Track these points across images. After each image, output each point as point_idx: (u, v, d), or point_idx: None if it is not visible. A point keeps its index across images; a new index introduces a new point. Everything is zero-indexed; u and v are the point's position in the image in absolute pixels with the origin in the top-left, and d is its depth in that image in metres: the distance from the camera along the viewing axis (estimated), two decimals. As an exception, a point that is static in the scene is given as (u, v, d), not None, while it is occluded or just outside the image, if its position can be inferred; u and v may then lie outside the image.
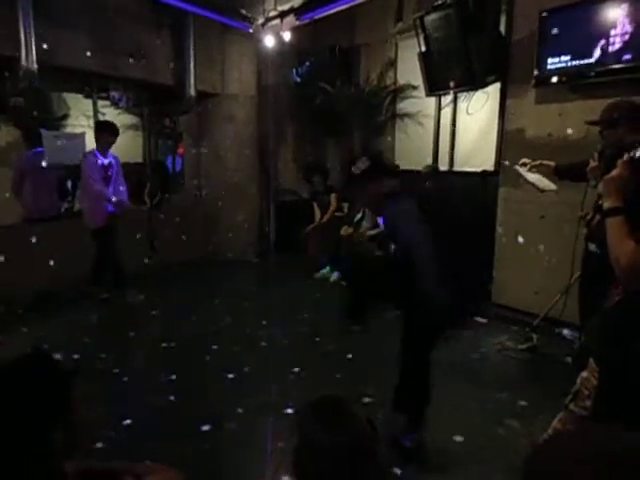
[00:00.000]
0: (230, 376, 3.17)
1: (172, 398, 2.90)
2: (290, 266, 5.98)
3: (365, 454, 1.01)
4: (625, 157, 1.47)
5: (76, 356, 3.35)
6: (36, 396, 0.96)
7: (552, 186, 3.09)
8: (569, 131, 3.85)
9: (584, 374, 1.60)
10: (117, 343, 3.83)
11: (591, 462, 0.69)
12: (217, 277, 5.70)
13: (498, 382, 3.14)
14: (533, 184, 3.12)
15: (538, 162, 3.13)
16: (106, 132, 4.50)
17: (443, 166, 5.42)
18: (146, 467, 1.14)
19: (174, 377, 3.17)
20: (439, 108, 5.60)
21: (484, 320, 4.25)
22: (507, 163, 3.42)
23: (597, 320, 1.64)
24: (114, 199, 4.48)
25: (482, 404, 2.86)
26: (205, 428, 2.57)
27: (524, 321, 3.97)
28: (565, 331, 3.74)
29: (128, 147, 6.73)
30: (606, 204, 1.47)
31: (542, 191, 3.11)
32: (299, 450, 1.03)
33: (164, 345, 3.70)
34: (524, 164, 3.18)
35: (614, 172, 1.48)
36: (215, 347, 3.66)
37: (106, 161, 4.55)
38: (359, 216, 5.65)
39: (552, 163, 3.10)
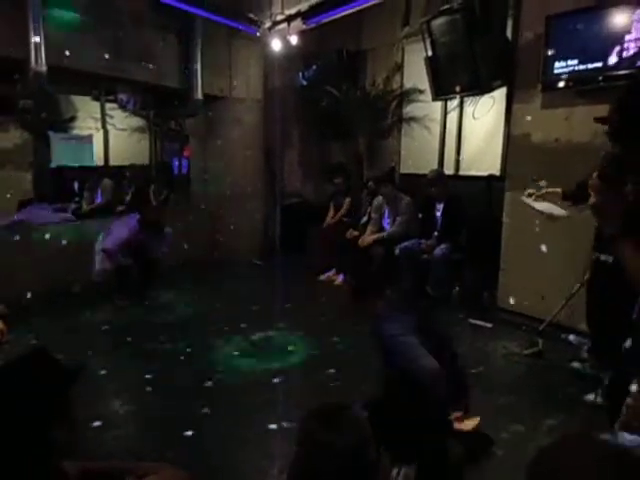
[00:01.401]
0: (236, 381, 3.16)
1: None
2: (295, 268, 5.97)
3: (367, 457, 1.01)
4: (593, 178, 1.39)
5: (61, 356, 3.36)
6: (36, 395, 0.96)
7: (562, 212, 3.03)
8: (576, 136, 3.83)
9: (629, 401, 1.49)
10: (112, 345, 3.83)
11: (597, 463, 0.69)
12: (220, 279, 5.71)
13: (503, 387, 3.12)
14: (543, 212, 3.09)
15: (544, 191, 3.09)
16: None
17: (449, 170, 5.41)
18: (148, 466, 1.14)
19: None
20: (445, 112, 5.60)
21: (489, 325, 4.23)
22: (540, 182, 3.33)
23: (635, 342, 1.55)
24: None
25: (487, 408, 2.83)
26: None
27: (530, 326, 3.95)
28: (571, 337, 3.71)
29: (135, 149, 6.79)
30: (607, 231, 1.43)
31: (554, 219, 3.07)
32: (301, 451, 1.03)
33: (163, 348, 3.70)
34: (530, 195, 3.14)
35: (593, 198, 1.41)
36: (214, 352, 3.64)
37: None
38: (365, 219, 5.66)
39: (559, 190, 3.05)
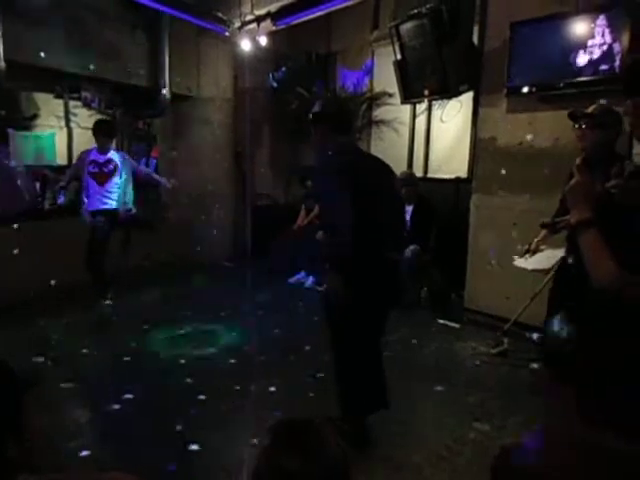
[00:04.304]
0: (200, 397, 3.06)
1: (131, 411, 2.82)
2: (265, 271, 5.93)
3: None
4: (577, 161, 1.37)
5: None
6: None
7: (556, 257, 2.99)
8: (538, 140, 3.94)
9: None
10: (73, 351, 3.68)
11: (565, 461, 0.70)
12: (188, 282, 5.60)
13: (470, 386, 3.18)
14: (535, 269, 3.14)
15: (534, 244, 3.12)
16: (98, 133, 4.54)
17: (418, 172, 5.48)
18: (110, 476, 1.10)
19: (131, 395, 2.96)
20: (414, 115, 5.67)
21: (457, 325, 4.30)
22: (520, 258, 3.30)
23: None
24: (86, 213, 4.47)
25: (454, 407, 2.88)
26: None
27: (496, 326, 4.03)
28: (535, 335, 3.81)
29: (100, 149, 6.59)
30: (574, 217, 1.30)
31: (548, 271, 3.09)
32: (263, 475, 0.91)
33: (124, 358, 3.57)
34: (526, 251, 3.18)
35: (575, 179, 1.34)
36: (183, 360, 3.52)
37: (102, 157, 4.53)
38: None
39: (543, 232, 3.07)
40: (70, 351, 3.64)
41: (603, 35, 3.41)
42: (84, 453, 2.37)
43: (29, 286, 4.53)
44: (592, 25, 3.47)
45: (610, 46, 3.40)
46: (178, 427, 2.61)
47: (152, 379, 3.23)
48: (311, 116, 2.41)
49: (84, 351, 3.64)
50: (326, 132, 2.37)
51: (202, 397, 2.95)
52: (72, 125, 6.18)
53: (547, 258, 3.10)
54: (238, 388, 3.07)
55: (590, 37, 3.49)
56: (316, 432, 0.94)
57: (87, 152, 4.60)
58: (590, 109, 2.69)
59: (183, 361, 3.49)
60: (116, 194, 4.53)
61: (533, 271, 3.18)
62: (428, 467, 2.33)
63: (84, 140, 6.68)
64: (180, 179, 6.56)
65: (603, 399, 0.70)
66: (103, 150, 4.54)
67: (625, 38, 3.31)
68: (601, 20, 3.43)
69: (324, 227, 2.32)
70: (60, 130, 6.14)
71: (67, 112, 6.08)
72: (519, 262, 3.25)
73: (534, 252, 3.15)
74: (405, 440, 2.55)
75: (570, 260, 2.78)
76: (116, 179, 4.54)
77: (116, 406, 2.83)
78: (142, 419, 2.72)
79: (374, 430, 2.49)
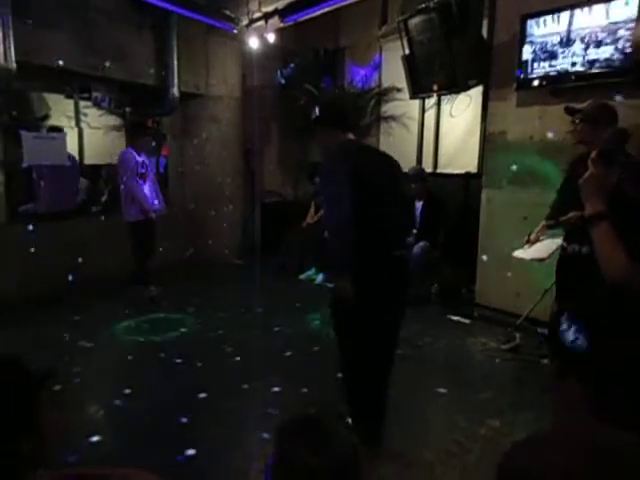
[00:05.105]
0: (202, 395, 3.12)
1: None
2: (275, 268, 5.94)
3: (352, 476, 0.91)
4: (593, 154, 1.37)
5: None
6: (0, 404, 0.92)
7: (554, 246, 3.00)
8: (549, 134, 3.90)
9: None
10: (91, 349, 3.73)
11: (572, 460, 0.70)
12: (198, 280, 5.64)
13: (481, 382, 3.17)
14: (533, 259, 3.14)
15: (534, 236, 3.13)
16: (140, 132, 4.89)
17: (427, 168, 5.45)
18: (126, 472, 1.12)
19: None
20: (423, 110, 5.64)
21: (467, 321, 4.28)
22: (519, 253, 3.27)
23: None
24: (147, 206, 4.67)
25: (464, 404, 2.87)
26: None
27: (507, 322, 4.01)
28: (547, 331, 3.78)
29: (111, 148, 6.64)
30: (588, 210, 1.31)
31: (543, 259, 3.09)
32: (277, 470, 0.91)
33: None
34: (527, 242, 3.17)
35: (589, 172, 1.35)
36: (184, 359, 3.53)
37: (140, 158, 4.74)
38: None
39: (543, 222, 3.09)
40: (90, 348, 3.69)
41: (614, 26, 3.36)
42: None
43: (39, 286, 4.60)
44: (603, 16, 3.42)
45: (621, 37, 3.35)
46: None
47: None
48: (313, 121, 2.46)
49: (107, 348, 3.69)
50: (329, 133, 2.40)
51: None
52: (82, 125, 6.23)
53: (545, 247, 3.10)
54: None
55: (601, 29, 3.44)
56: (328, 428, 0.93)
57: (130, 153, 4.71)
58: (583, 104, 2.66)
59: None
60: (152, 192, 4.79)
61: (531, 260, 3.17)
62: (439, 464, 2.33)
63: (94, 140, 6.75)
64: (189, 177, 6.62)
65: (606, 398, 0.70)
66: (140, 150, 4.74)
67: (637, 29, 3.25)
68: (612, 11, 3.37)
69: (327, 227, 2.34)
70: (71, 130, 6.20)
71: (77, 112, 6.13)
72: (518, 253, 3.25)
73: (533, 243, 3.14)
74: (416, 436, 2.55)
75: (568, 248, 2.74)
76: (150, 179, 4.80)
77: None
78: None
79: (385, 426, 2.49)
